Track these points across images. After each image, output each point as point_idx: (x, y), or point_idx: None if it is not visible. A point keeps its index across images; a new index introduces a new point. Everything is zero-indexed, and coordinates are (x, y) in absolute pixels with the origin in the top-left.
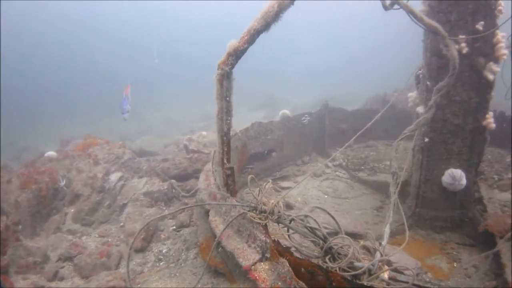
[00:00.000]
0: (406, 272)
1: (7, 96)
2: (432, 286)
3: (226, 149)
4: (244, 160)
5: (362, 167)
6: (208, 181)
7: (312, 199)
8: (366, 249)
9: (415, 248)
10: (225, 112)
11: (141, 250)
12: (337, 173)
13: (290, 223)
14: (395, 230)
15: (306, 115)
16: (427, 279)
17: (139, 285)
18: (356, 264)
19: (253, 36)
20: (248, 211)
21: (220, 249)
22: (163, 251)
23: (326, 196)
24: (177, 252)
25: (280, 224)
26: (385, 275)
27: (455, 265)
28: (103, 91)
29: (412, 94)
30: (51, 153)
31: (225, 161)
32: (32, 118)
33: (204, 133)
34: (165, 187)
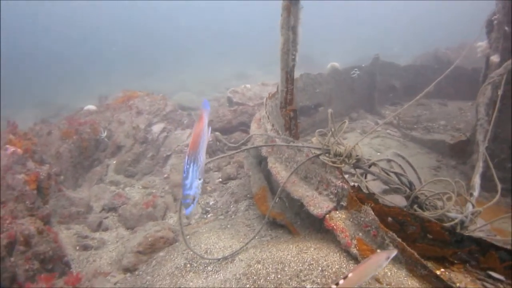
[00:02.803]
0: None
1: (42, 56)
2: None
3: (290, 87)
4: None
5: (415, 126)
6: (261, 129)
7: (364, 156)
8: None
9: None
10: (291, 44)
11: None
12: (388, 131)
13: (369, 168)
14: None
15: (356, 69)
16: None
17: (188, 237)
18: (449, 214)
19: None
20: (320, 154)
21: (278, 200)
22: (210, 203)
23: (378, 154)
24: (225, 205)
25: (357, 170)
26: None
27: None
28: (135, 52)
29: (482, 44)
30: (90, 107)
31: (288, 102)
32: (67, 78)
33: (248, 85)
34: (210, 140)
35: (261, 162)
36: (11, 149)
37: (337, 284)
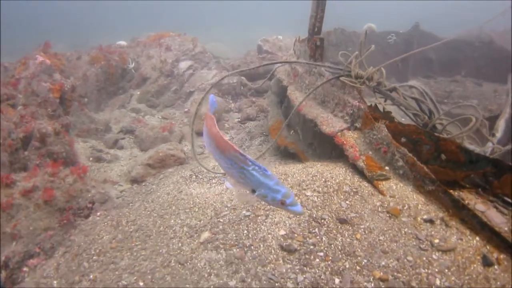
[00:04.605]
0: None
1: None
2: None
3: (320, 14)
4: None
5: (445, 100)
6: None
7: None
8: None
9: None
10: None
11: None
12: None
13: (390, 92)
14: None
15: (393, 34)
16: None
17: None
18: (468, 146)
19: None
20: (341, 75)
21: (292, 132)
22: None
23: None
24: (240, 141)
25: (377, 94)
26: None
27: None
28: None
29: None
30: (122, 42)
31: (317, 30)
32: (100, 24)
33: (280, 37)
34: (235, 81)
35: (282, 101)
36: (40, 58)
37: None
